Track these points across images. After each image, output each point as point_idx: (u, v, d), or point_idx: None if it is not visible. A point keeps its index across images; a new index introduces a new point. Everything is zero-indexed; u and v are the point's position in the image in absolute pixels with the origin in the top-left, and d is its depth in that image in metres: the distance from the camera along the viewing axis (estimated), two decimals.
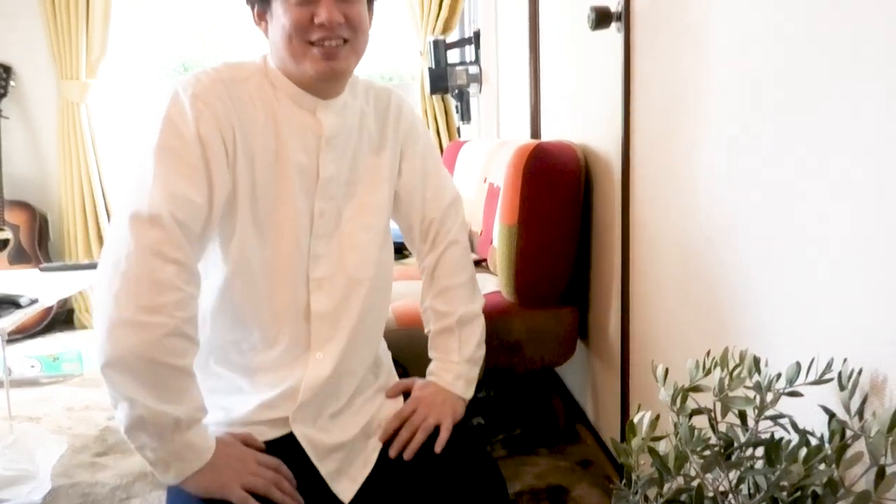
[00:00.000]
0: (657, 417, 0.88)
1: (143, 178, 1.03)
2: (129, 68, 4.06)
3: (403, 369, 1.46)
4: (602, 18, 1.55)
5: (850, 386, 0.80)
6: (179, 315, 1.00)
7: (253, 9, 1.16)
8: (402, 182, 1.32)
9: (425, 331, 1.37)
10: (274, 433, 1.17)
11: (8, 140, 3.71)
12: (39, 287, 2.59)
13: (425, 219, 1.34)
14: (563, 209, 1.85)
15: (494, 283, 2.03)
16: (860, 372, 0.80)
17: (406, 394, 1.30)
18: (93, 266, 3.05)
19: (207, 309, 1.16)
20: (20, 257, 3.57)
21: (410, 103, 1.36)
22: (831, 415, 0.81)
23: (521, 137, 2.63)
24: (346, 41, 1.11)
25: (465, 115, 3.54)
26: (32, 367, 2.94)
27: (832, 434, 0.78)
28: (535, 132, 2.45)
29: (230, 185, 1.10)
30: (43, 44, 3.71)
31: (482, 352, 1.36)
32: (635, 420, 0.89)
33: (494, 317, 1.83)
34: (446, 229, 1.35)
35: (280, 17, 1.09)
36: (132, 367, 0.98)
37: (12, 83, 3.72)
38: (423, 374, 1.35)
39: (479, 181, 2.32)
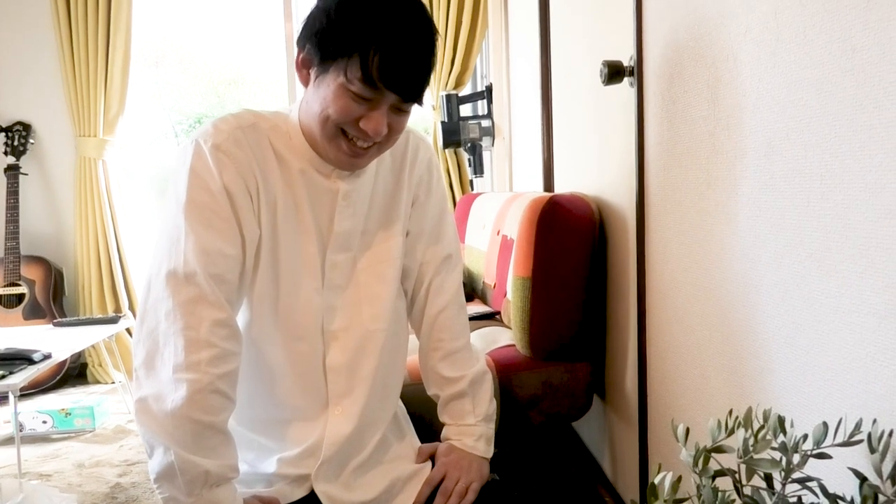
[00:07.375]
0: (679, 479, 0.86)
1: (176, 236, 1.03)
2: (146, 124, 4.13)
3: (419, 422, 1.45)
4: (614, 73, 1.56)
5: (881, 448, 0.77)
6: (213, 371, 1.00)
7: (301, 51, 1.07)
8: (409, 225, 1.30)
9: (429, 393, 1.36)
10: (297, 493, 1.16)
11: (26, 196, 3.76)
12: (53, 342, 2.60)
13: (422, 265, 1.32)
14: (577, 262, 1.84)
15: (508, 336, 2.01)
16: (892, 433, 0.78)
17: (430, 457, 1.29)
18: (106, 321, 3.06)
19: None
20: (35, 312, 3.58)
21: (428, 142, 1.33)
22: (862, 479, 0.78)
23: (534, 190, 2.64)
24: (377, 144, 1.09)
25: (478, 169, 3.56)
26: (44, 422, 2.93)
27: (864, 499, 0.75)
28: (549, 185, 2.46)
29: (258, 231, 1.10)
30: (62, 101, 3.80)
31: (494, 405, 1.35)
32: (656, 481, 0.87)
33: (510, 371, 1.81)
34: (440, 280, 1.32)
35: (328, 92, 1.03)
36: (164, 423, 0.98)
37: (31, 140, 3.79)
38: (437, 426, 1.34)
39: (492, 233, 2.31)
